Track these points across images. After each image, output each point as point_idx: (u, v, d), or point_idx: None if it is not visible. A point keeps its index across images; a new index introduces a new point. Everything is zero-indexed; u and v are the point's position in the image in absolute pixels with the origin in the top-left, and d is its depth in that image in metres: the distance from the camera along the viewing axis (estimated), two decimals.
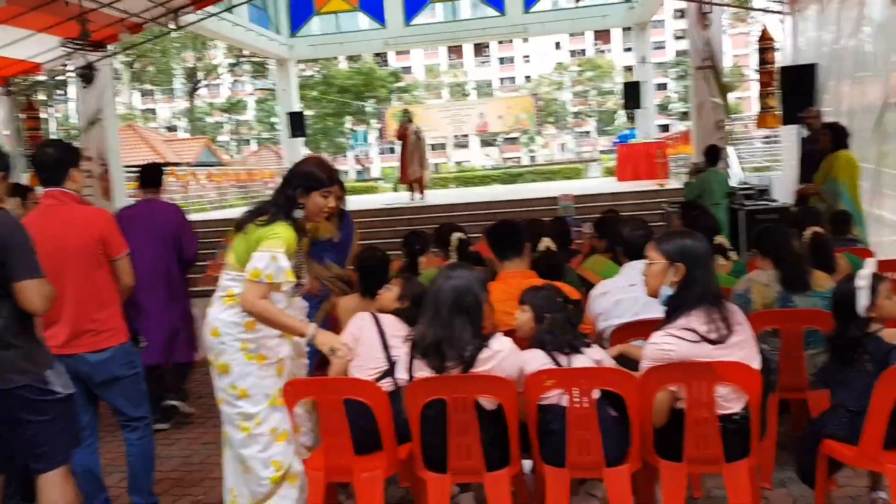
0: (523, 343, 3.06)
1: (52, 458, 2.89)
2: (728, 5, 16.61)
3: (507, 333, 2.99)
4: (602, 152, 44.31)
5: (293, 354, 3.29)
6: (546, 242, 4.40)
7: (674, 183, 13.89)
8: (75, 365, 3.37)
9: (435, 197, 15.53)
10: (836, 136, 6.62)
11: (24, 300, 2.75)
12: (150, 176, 5.43)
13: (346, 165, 56.22)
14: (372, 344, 3.30)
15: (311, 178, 3.24)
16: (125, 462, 3.66)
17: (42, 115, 13.53)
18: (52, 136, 23.30)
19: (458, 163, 56.82)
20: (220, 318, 3.19)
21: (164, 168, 5.64)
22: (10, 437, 2.85)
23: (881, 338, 2.91)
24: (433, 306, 2.86)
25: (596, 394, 2.79)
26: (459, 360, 2.79)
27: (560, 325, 2.95)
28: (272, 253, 3.03)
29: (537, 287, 3.16)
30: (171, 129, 50.33)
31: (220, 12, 14.10)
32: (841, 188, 6.30)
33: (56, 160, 3.37)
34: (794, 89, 9.36)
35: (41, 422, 2.83)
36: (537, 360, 2.91)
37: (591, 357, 2.94)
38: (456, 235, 4.70)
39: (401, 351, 3.13)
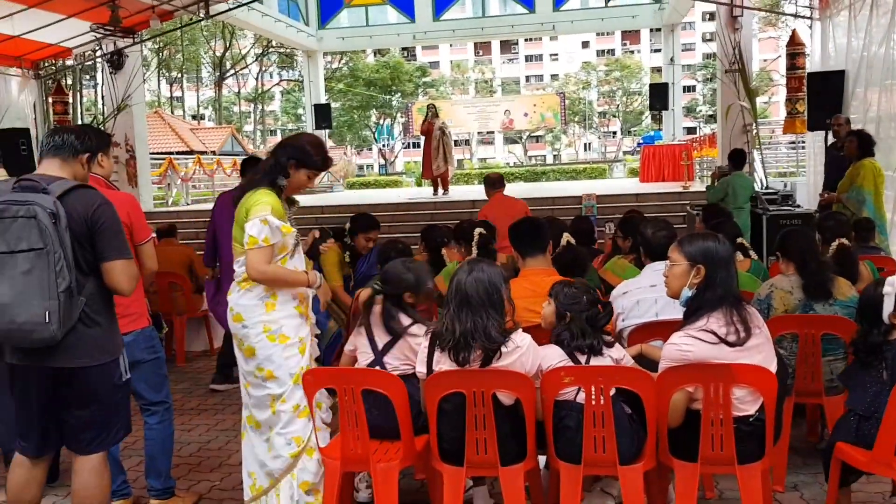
0: (546, 336, 3.08)
1: (102, 441, 2.93)
2: (758, 9, 16.48)
3: (528, 330, 3.00)
4: (626, 153, 44.13)
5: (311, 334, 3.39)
6: (566, 237, 4.41)
7: (698, 186, 13.82)
8: None
9: (458, 193, 15.54)
10: (862, 144, 6.57)
11: (113, 280, 2.80)
12: (251, 166, 5.63)
13: (370, 159, 56.44)
14: (362, 335, 3.34)
15: (306, 154, 3.29)
16: (143, 446, 3.71)
17: (69, 100, 13.73)
18: (78, 122, 23.59)
19: (482, 160, 56.78)
20: (240, 303, 3.25)
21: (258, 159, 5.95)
22: (70, 415, 2.87)
23: None
24: (457, 300, 2.88)
25: (612, 390, 2.81)
26: (485, 352, 2.81)
27: (579, 326, 2.95)
28: (260, 217, 3.10)
29: (568, 283, 3.15)
30: (198, 117, 50.72)
31: (251, 2, 14.20)
32: (866, 195, 6.24)
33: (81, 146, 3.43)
34: (822, 95, 9.28)
35: (104, 404, 2.87)
36: (555, 356, 2.93)
37: (611, 356, 2.95)
38: (477, 230, 4.74)
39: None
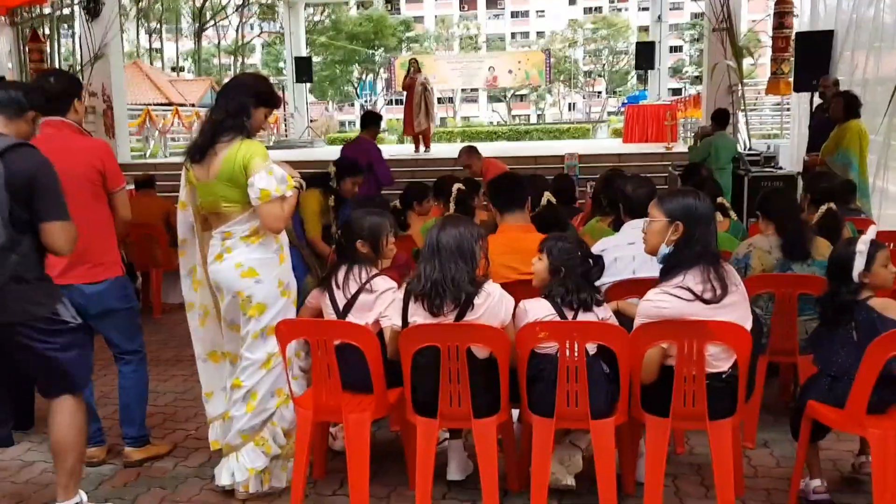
0: (524, 292, 3.07)
1: (68, 383, 2.93)
2: None
3: (505, 286, 3.00)
4: (611, 113, 43.96)
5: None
6: (547, 196, 4.38)
7: (682, 146, 13.79)
8: (70, 295, 3.36)
9: (440, 150, 15.42)
10: (848, 105, 6.52)
11: (51, 241, 2.76)
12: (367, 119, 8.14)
13: (353, 115, 55.83)
14: (323, 294, 3.34)
15: (263, 92, 3.24)
16: (118, 395, 3.69)
17: (45, 49, 13.38)
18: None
19: (466, 118, 56.39)
20: (252, 257, 3.16)
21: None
22: (27, 364, 2.88)
23: (871, 307, 2.91)
24: (430, 252, 2.88)
25: (593, 349, 2.81)
26: (456, 301, 2.81)
27: (574, 280, 2.94)
28: (265, 169, 3.04)
29: (560, 237, 3.13)
30: (177, 69, 49.83)
31: None
32: (852, 158, 6.22)
33: (61, 90, 3.34)
34: (810, 56, 9.22)
35: (56, 348, 2.85)
36: (541, 310, 2.92)
37: (599, 315, 2.94)
38: (456, 186, 4.70)
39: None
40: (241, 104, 3.15)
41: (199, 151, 3.15)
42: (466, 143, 8.19)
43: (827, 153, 6.44)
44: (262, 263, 3.17)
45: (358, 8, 44.47)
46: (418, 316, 2.91)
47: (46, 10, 13.33)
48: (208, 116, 3.25)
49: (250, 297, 3.18)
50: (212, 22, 44.67)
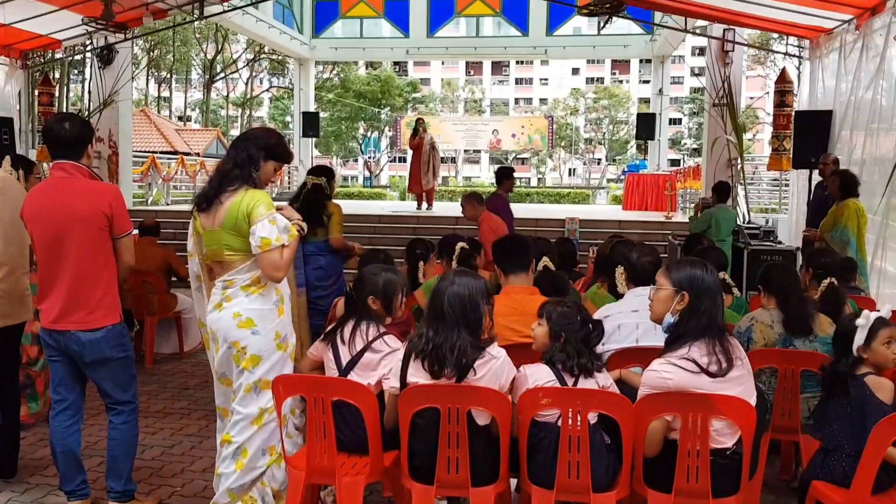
0: (527, 356, 3.02)
1: None
2: (749, 45, 16.70)
3: (508, 349, 2.95)
4: (610, 180, 44.43)
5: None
6: (545, 261, 4.36)
7: (680, 216, 13.89)
8: (65, 342, 3.33)
9: (442, 209, 15.51)
10: (845, 184, 6.58)
11: None
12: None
13: (356, 170, 56.38)
14: (327, 348, 3.27)
15: (274, 146, 3.29)
16: (106, 446, 3.60)
17: (55, 93, 13.57)
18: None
19: (467, 177, 56.89)
20: (252, 307, 3.15)
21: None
22: None
23: (865, 383, 2.89)
24: (433, 311, 2.83)
25: (593, 418, 2.76)
26: (457, 366, 2.75)
27: (574, 346, 2.89)
28: (267, 218, 3.07)
29: (559, 302, 3.09)
30: (184, 118, 50.43)
31: (245, 6, 14.13)
32: (850, 236, 6.25)
33: (77, 135, 3.34)
34: (809, 134, 9.35)
35: None
36: (542, 376, 2.87)
37: (599, 382, 2.89)
38: (459, 245, 4.69)
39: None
40: (250, 155, 3.19)
41: (206, 200, 3.17)
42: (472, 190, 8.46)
43: (825, 229, 6.47)
44: (260, 315, 3.15)
45: (367, 67, 45.27)
46: (418, 376, 2.85)
47: (58, 55, 13.53)
48: (218, 166, 3.26)
49: (245, 349, 3.14)
50: (222, 74, 45.39)
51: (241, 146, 3.23)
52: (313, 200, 5.46)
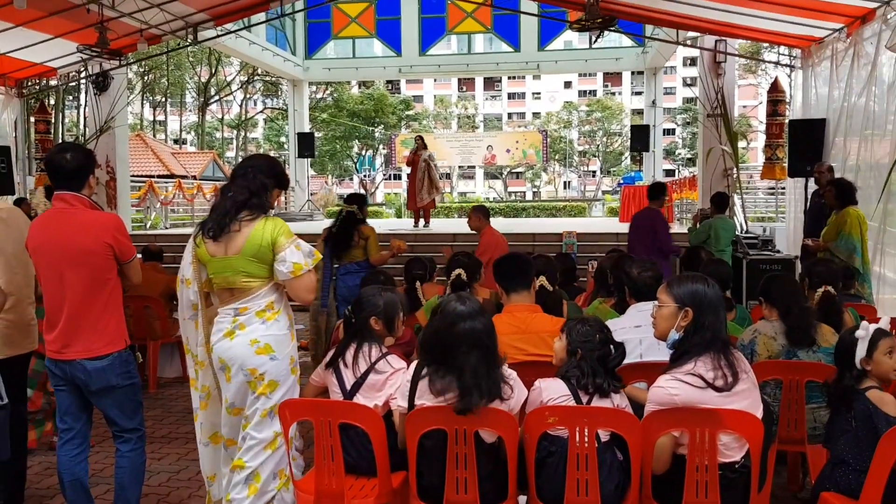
0: (542, 374, 3.03)
1: None
2: (742, 56, 16.81)
3: (511, 367, 2.96)
4: (606, 192, 44.53)
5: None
6: (541, 280, 4.36)
7: (678, 227, 13.92)
8: (71, 371, 3.33)
9: (438, 225, 15.53)
10: (841, 193, 6.58)
11: None
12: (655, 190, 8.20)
13: (351, 189, 56.45)
14: (330, 373, 3.28)
15: (282, 177, 3.39)
16: (113, 473, 3.59)
17: (51, 120, 13.63)
18: (60, 141, 23.39)
19: (462, 193, 57.02)
20: (269, 334, 3.17)
21: None
22: None
23: (868, 398, 2.89)
24: (451, 346, 2.79)
25: (606, 436, 2.76)
26: (489, 395, 2.74)
27: (590, 364, 2.89)
28: (293, 244, 3.14)
29: (583, 319, 3.10)
30: (180, 142, 50.55)
31: (239, 30, 14.22)
32: (855, 243, 6.24)
33: (78, 166, 3.34)
34: (803, 143, 9.42)
35: None
36: (556, 390, 2.87)
37: (615, 402, 2.88)
38: (455, 272, 4.65)
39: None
40: (263, 184, 3.24)
41: (219, 228, 3.16)
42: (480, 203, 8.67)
43: (828, 238, 6.46)
44: (277, 340, 3.18)
45: (360, 87, 45.46)
46: (426, 398, 2.86)
47: (53, 83, 13.60)
48: (225, 195, 3.25)
49: (263, 375, 3.15)
50: (216, 97, 45.55)
51: (251, 175, 3.25)
52: (349, 225, 6.48)
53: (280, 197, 3.52)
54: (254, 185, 3.21)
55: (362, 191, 48.81)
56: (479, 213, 7.71)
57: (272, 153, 51.06)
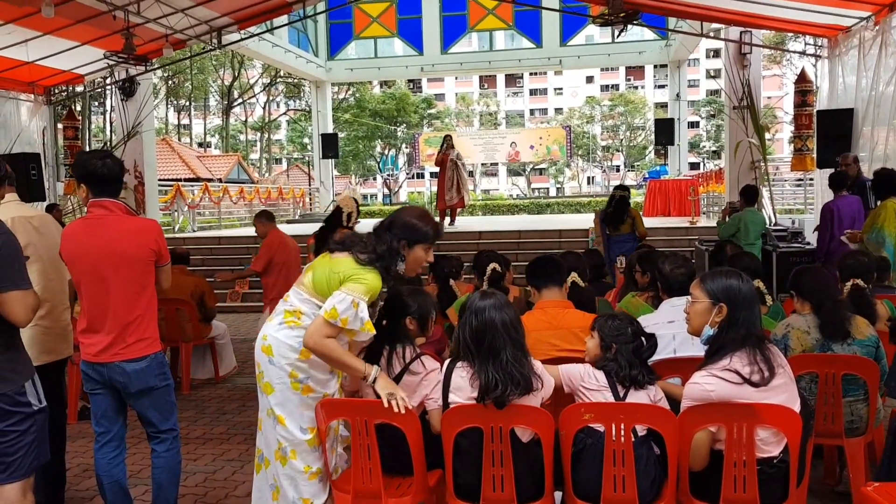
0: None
1: (15, 470, 2.82)
2: (767, 46, 16.62)
3: (545, 362, 2.97)
4: (630, 187, 44.30)
5: (339, 389, 3.26)
6: (574, 277, 4.37)
7: (705, 221, 13.81)
8: (109, 374, 3.38)
9: (463, 224, 15.55)
10: (880, 184, 6.44)
11: (7, 311, 2.71)
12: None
13: (375, 188, 56.69)
14: None
15: (417, 231, 3.13)
16: (150, 474, 3.64)
17: (79, 126, 13.83)
18: (87, 148, 23.71)
19: (486, 191, 56.99)
20: (276, 336, 3.12)
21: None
22: None
23: None
24: (487, 342, 2.81)
25: (642, 430, 2.76)
26: (524, 388, 2.76)
27: (626, 357, 2.92)
28: (355, 298, 2.93)
29: (611, 315, 3.12)
30: (204, 145, 51.05)
31: (262, 33, 14.32)
32: (886, 237, 6.14)
33: (117, 173, 3.39)
34: (831, 133, 9.31)
35: (11, 432, 2.77)
36: (598, 378, 2.91)
37: (650, 394, 2.90)
38: (491, 266, 4.69)
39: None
40: (393, 249, 3.07)
41: (330, 248, 3.17)
42: None
43: (865, 231, 6.36)
44: (280, 345, 3.09)
45: (381, 86, 45.61)
46: (457, 394, 2.87)
47: (79, 89, 13.80)
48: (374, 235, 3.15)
49: (263, 373, 3.16)
50: (239, 100, 45.93)
51: (381, 235, 3.11)
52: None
53: (429, 251, 3.22)
54: (378, 242, 3.07)
55: (386, 190, 49.06)
56: (262, 219, 7.41)
57: (295, 154, 51.38)
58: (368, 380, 2.97)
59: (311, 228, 13.99)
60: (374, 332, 3.04)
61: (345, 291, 2.95)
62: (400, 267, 3.09)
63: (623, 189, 9.08)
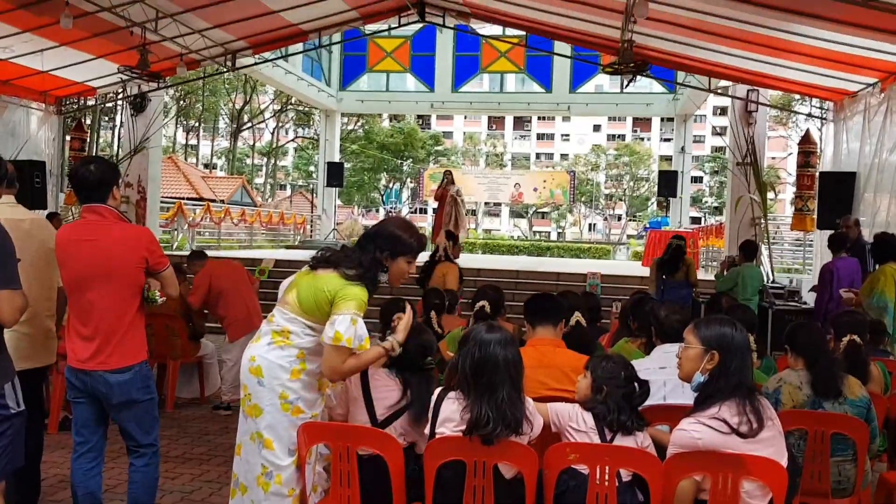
0: None
1: None
2: (773, 106, 16.80)
3: (536, 401, 2.94)
4: (630, 237, 44.40)
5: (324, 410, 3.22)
6: (577, 316, 4.36)
7: (702, 274, 13.80)
8: (92, 383, 3.34)
9: (462, 260, 15.52)
10: (879, 249, 6.45)
11: None
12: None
13: (377, 220, 56.79)
14: (357, 402, 3.21)
15: (400, 242, 3.13)
16: (126, 490, 3.58)
17: (87, 139, 13.91)
18: None
19: (487, 230, 57.14)
20: (266, 357, 3.06)
21: None
22: None
23: None
24: (487, 377, 2.77)
25: (627, 476, 2.72)
26: (513, 428, 2.73)
27: (615, 401, 2.87)
28: (352, 316, 2.91)
29: (606, 357, 3.09)
30: (210, 166, 51.30)
31: (276, 59, 14.46)
32: (888, 302, 6.11)
33: (101, 178, 3.37)
34: (833, 195, 9.37)
35: None
36: (585, 421, 2.87)
37: (638, 441, 2.85)
38: (479, 304, 4.67)
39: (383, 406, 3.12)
40: (376, 260, 3.09)
41: (313, 265, 3.15)
42: None
43: (864, 295, 6.34)
44: (270, 366, 3.04)
45: (390, 120, 46.01)
46: (446, 426, 2.83)
47: (90, 102, 13.90)
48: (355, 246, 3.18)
49: (250, 395, 3.09)
50: (249, 124, 46.29)
51: (368, 245, 3.12)
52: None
53: (412, 263, 3.24)
54: (362, 255, 3.08)
55: None
56: (192, 260, 7.15)
57: (300, 182, 51.59)
58: (396, 350, 3.06)
59: (310, 254, 14.05)
60: (370, 349, 3.02)
61: (342, 313, 2.92)
62: (383, 278, 3.09)
63: (679, 239, 9.21)
